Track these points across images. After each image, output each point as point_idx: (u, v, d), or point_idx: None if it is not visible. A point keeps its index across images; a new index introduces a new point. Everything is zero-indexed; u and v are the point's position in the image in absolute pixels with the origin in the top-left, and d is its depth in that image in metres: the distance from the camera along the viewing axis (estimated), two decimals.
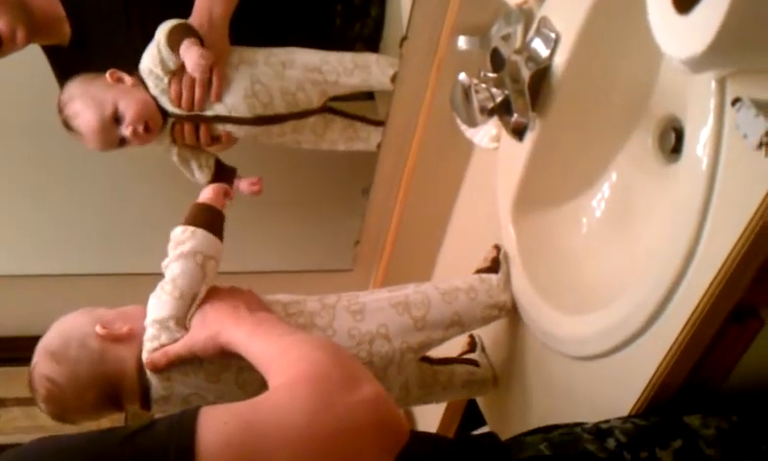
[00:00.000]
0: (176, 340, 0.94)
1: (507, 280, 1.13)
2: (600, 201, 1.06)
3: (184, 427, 0.63)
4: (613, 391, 0.91)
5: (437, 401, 1.25)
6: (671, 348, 0.82)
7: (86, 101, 1.19)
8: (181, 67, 1.20)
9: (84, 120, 1.19)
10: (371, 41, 1.40)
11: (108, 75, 1.21)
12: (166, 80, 1.21)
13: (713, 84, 0.75)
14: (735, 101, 0.71)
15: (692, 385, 0.85)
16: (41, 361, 0.96)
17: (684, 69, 0.71)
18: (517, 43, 1.10)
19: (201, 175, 1.31)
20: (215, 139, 1.27)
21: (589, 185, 1.06)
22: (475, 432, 1.33)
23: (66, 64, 1.22)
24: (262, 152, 1.40)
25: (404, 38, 1.26)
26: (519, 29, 1.10)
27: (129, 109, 1.20)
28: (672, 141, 0.95)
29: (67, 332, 0.97)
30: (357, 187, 1.49)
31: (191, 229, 0.98)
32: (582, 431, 0.85)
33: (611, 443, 0.82)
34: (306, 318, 1.02)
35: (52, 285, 1.41)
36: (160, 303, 0.96)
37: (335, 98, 1.33)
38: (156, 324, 0.95)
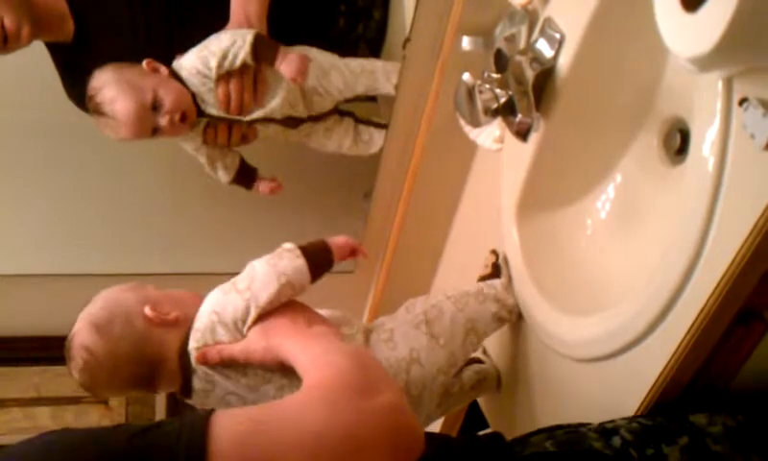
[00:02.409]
0: (231, 341, 0.94)
1: (509, 283, 1.13)
2: (605, 202, 1.05)
3: (196, 427, 0.62)
4: (618, 393, 0.91)
5: (452, 411, 1.24)
6: (676, 350, 0.81)
7: (124, 87, 1.19)
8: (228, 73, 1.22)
9: (122, 105, 1.18)
10: (374, 43, 1.39)
11: (144, 64, 1.21)
12: (213, 82, 1.21)
13: (720, 84, 0.74)
14: (743, 101, 0.71)
15: (697, 387, 0.84)
16: (83, 330, 0.95)
17: (690, 68, 0.70)
18: (522, 44, 1.09)
19: (225, 174, 1.32)
20: (244, 138, 1.28)
21: (594, 187, 1.06)
22: (480, 433, 1.32)
23: (69, 61, 1.22)
24: (265, 155, 1.40)
25: (407, 40, 1.26)
26: (524, 29, 1.10)
27: (168, 97, 1.20)
28: (678, 142, 0.94)
29: (114, 306, 0.97)
30: (359, 190, 1.49)
31: (297, 253, 0.98)
32: (587, 430, 0.84)
33: (616, 441, 0.81)
34: (350, 342, 1.02)
35: (52, 285, 1.40)
36: (227, 299, 0.95)
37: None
38: (214, 315, 0.95)
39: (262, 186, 1.35)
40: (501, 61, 1.09)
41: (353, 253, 1.06)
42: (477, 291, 1.12)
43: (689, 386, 0.84)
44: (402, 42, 1.27)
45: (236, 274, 1.46)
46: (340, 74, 1.30)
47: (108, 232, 1.40)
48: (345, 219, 1.52)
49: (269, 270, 0.96)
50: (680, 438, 0.81)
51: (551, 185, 1.08)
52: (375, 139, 1.39)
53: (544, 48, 1.02)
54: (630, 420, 0.85)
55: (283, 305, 0.96)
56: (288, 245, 0.99)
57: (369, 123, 1.39)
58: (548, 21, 1.02)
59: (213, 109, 1.23)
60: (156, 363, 0.96)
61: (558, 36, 1.00)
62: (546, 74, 1.02)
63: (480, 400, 1.28)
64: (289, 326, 0.93)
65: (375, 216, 1.49)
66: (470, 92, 1.04)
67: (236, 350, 0.93)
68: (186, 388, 0.97)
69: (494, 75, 1.05)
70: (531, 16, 1.09)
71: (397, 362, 1.02)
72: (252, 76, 1.23)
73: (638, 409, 0.87)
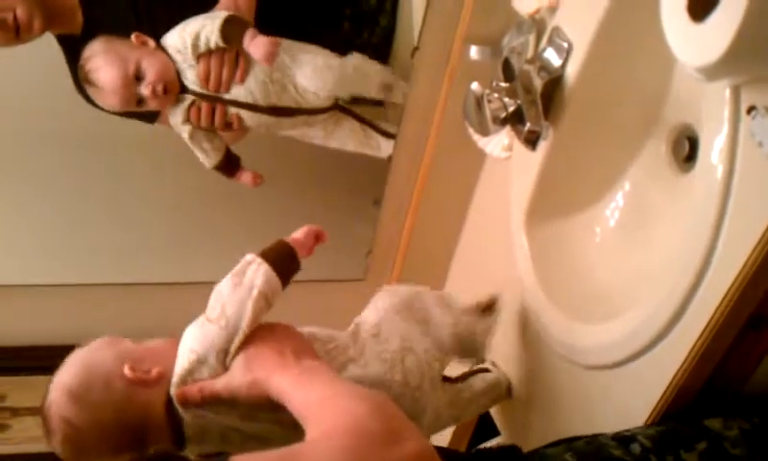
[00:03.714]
0: (213, 376, 0.87)
1: (489, 330, 1.12)
2: (614, 210, 1.06)
3: None
4: (630, 399, 0.91)
5: (466, 419, 1.23)
6: (687, 357, 0.81)
7: (110, 57, 1.22)
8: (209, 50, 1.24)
9: (107, 75, 1.21)
10: (380, 50, 1.40)
11: (133, 37, 1.24)
12: (194, 60, 1.25)
13: (728, 93, 0.74)
14: (750, 109, 0.72)
15: (709, 393, 0.85)
16: (59, 400, 0.88)
17: (698, 77, 0.71)
18: (530, 53, 1.10)
19: (210, 158, 1.33)
20: (228, 124, 1.30)
21: (603, 194, 1.06)
22: (490, 443, 1.33)
23: (79, 54, 1.25)
24: (273, 160, 1.41)
25: (416, 49, 1.27)
26: (531, 39, 1.11)
27: (151, 68, 1.22)
28: (686, 150, 0.95)
29: (90, 370, 0.90)
30: (369, 197, 1.49)
31: (259, 261, 0.92)
32: (605, 439, 0.84)
33: (636, 448, 0.81)
34: (342, 356, 0.97)
35: (66, 295, 1.41)
36: (203, 332, 0.89)
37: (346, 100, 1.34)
38: (192, 354, 0.88)
39: (244, 176, 1.36)
40: (509, 71, 1.10)
41: (319, 237, 1.00)
42: (460, 309, 1.11)
43: (701, 392, 0.85)
44: (411, 51, 1.28)
45: None
46: (329, 71, 1.31)
47: (121, 242, 1.41)
48: (354, 225, 1.53)
49: (237, 289, 0.90)
50: (698, 443, 0.80)
51: (560, 193, 1.08)
52: (383, 145, 1.40)
53: (552, 57, 1.03)
54: (646, 427, 0.85)
55: (266, 331, 0.90)
56: (248, 256, 0.93)
57: (373, 126, 1.39)
58: (556, 30, 1.03)
59: (195, 86, 1.26)
60: (143, 425, 0.89)
61: (566, 45, 1.01)
62: (554, 83, 1.02)
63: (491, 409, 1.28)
64: (275, 358, 0.86)
65: (385, 223, 1.49)
66: (479, 101, 1.05)
67: (219, 386, 0.87)
68: (179, 439, 0.90)
69: (503, 84, 1.06)
70: (539, 26, 1.10)
71: (391, 355, 0.99)
72: (233, 54, 1.26)
73: (650, 416, 0.87)
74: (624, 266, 1.01)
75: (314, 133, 1.35)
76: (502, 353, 1.23)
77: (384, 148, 1.38)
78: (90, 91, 1.23)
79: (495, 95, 1.04)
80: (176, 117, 1.29)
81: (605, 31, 0.97)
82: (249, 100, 1.28)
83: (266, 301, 0.91)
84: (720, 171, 0.76)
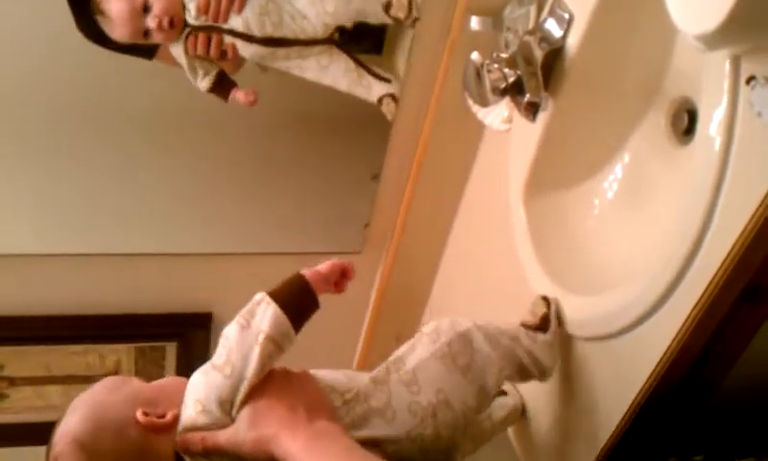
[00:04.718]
0: (219, 427, 0.82)
1: (553, 344, 1.02)
2: (612, 182, 1.06)
3: None
4: (625, 370, 0.92)
5: (483, 444, 1.14)
6: (682, 326, 0.82)
7: None
8: None
9: (115, 5, 1.23)
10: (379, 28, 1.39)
11: None
12: None
13: (727, 63, 0.74)
14: (750, 79, 0.71)
15: (705, 363, 0.85)
16: (67, 453, 0.81)
17: (698, 46, 0.70)
18: (531, 24, 1.09)
19: (203, 82, 1.34)
20: (223, 53, 1.30)
21: (602, 167, 1.06)
22: None
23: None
24: (272, 135, 1.41)
25: (416, 19, 1.26)
26: (533, 9, 1.10)
27: (159, 3, 1.24)
28: (685, 122, 0.95)
29: (100, 416, 0.83)
30: (367, 171, 1.49)
31: (267, 300, 0.85)
32: None
33: None
34: (363, 405, 0.88)
35: (64, 264, 1.42)
36: (207, 381, 0.83)
37: (344, 38, 1.34)
38: (198, 404, 0.83)
39: (239, 95, 1.37)
40: (510, 41, 1.09)
41: (346, 274, 0.92)
42: (512, 335, 0.99)
43: (696, 363, 0.85)
44: (412, 21, 1.27)
45: (245, 254, 1.49)
46: None
47: (118, 212, 1.41)
48: (352, 198, 1.53)
49: (243, 333, 0.83)
50: None
51: (559, 165, 1.08)
52: (374, 87, 1.39)
53: (553, 28, 1.02)
54: None
55: (278, 380, 0.84)
56: (257, 295, 0.86)
57: (367, 68, 1.39)
58: (557, 1, 1.02)
59: (195, 21, 1.27)
60: None
61: (567, 15, 1.01)
62: (555, 54, 1.02)
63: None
64: (285, 414, 0.80)
65: (383, 198, 1.50)
66: (479, 72, 1.04)
67: (222, 439, 0.81)
68: None
69: (503, 55, 1.05)
70: None
71: (423, 409, 0.89)
72: None
73: (646, 383, 0.88)
74: (622, 238, 1.01)
75: (307, 66, 1.35)
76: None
77: (375, 90, 1.38)
78: (101, 21, 1.25)
79: (495, 65, 1.04)
80: (177, 48, 1.31)
81: (606, 2, 0.97)
82: (245, 30, 1.29)
83: (275, 345, 0.84)
84: (718, 142, 0.76)
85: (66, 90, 1.29)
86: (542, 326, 1.01)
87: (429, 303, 1.62)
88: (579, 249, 1.05)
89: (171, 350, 1.59)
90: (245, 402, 0.82)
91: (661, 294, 0.84)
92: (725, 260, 0.76)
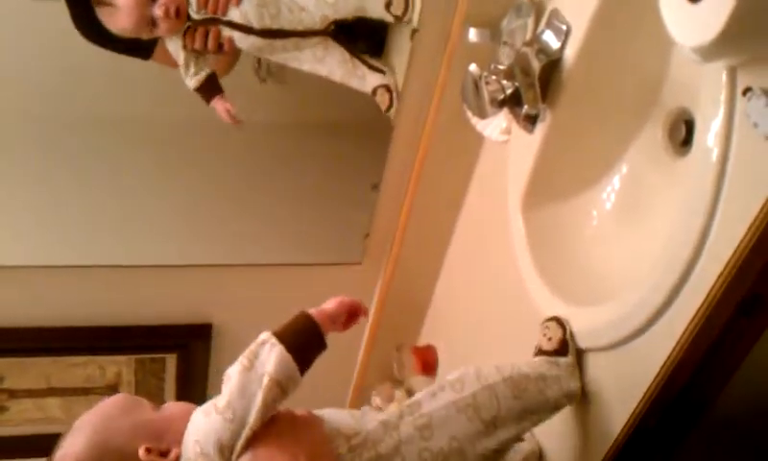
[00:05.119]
0: None
1: (576, 364, 0.99)
2: (610, 193, 1.06)
3: None
4: (623, 381, 0.92)
5: None
6: (680, 339, 0.82)
7: None
8: None
9: None
10: (378, 33, 1.39)
11: None
12: None
13: (724, 74, 0.75)
14: (746, 90, 0.72)
15: (703, 374, 0.85)
16: None
17: (694, 58, 0.71)
18: (528, 35, 1.10)
19: (192, 80, 1.34)
20: (220, 46, 1.31)
21: (600, 178, 1.06)
22: None
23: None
24: (274, 146, 1.41)
25: (415, 31, 1.26)
26: (530, 21, 1.10)
27: None
28: (683, 134, 0.95)
29: (103, 445, 0.82)
30: (367, 181, 1.50)
31: (273, 341, 0.83)
32: None
33: None
34: (371, 451, 0.86)
35: (65, 276, 1.42)
36: (208, 423, 0.82)
37: (342, 30, 1.34)
38: (197, 446, 0.81)
39: (219, 104, 1.37)
40: (507, 53, 1.10)
41: (356, 313, 0.91)
42: (537, 375, 0.96)
43: (696, 373, 0.85)
44: (410, 33, 1.28)
45: (246, 265, 1.49)
46: None
47: (119, 225, 1.41)
48: (352, 209, 1.53)
49: (246, 375, 0.81)
50: None
51: (557, 176, 1.09)
52: (368, 78, 1.40)
53: (551, 40, 1.03)
54: None
55: (281, 426, 0.83)
56: (263, 335, 0.84)
57: (360, 59, 1.39)
58: (554, 13, 1.03)
59: (195, 14, 1.28)
60: None
61: (564, 27, 1.01)
62: (552, 65, 1.02)
63: None
64: None
65: (383, 208, 1.50)
66: (477, 83, 1.05)
67: None
68: None
69: (501, 66, 1.06)
70: (537, 8, 1.10)
71: (433, 456, 0.87)
72: None
73: (643, 397, 0.87)
74: (620, 249, 1.01)
75: (304, 57, 1.36)
76: (497, 333, 1.24)
77: (369, 81, 1.38)
78: (103, 12, 1.24)
79: (493, 77, 1.04)
80: (175, 43, 1.31)
81: (603, 13, 0.97)
82: (243, 22, 1.30)
83: (280, 389, 0.82)
84: (715, 153, 0.76)
85: (68, 105, 1.30)
86: (562, 350, 0.99)
87: (429, 314, 1.63)
88: (577, 259, 1.05)
89: (171, 361, 1.59)
90: (246, 448, 0.80)
91: (660, 304, 0.84)
92: (722, 271, 0.76)
